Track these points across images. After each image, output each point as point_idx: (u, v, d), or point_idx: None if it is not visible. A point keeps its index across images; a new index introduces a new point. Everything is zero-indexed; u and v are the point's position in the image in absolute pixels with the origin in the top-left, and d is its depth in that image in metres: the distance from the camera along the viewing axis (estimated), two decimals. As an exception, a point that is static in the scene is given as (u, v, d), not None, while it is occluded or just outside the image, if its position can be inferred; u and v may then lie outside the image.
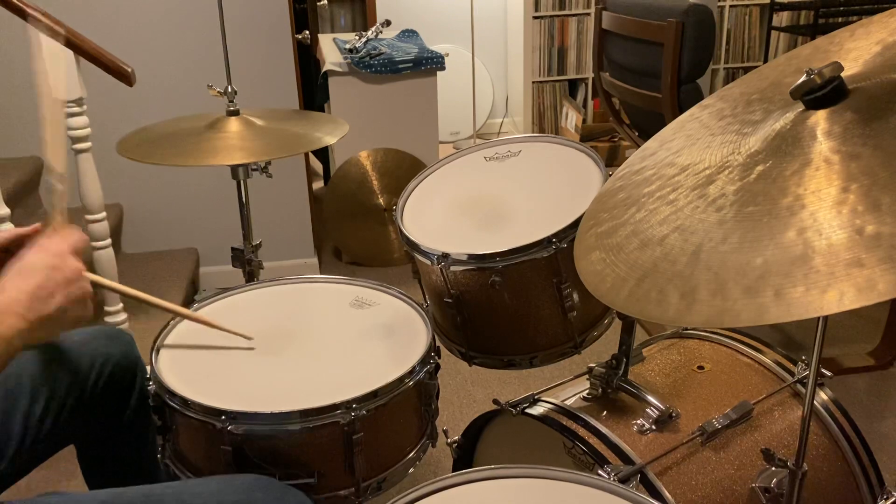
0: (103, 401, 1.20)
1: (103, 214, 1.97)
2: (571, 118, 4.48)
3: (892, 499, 1.10)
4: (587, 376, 1.20)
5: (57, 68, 1.18)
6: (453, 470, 1.29)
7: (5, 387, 1.10)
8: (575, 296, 1.25)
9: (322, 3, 4.00)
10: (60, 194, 1.03)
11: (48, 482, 1.78)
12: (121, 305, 2.06)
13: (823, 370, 1.19)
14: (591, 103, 4.60)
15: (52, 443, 1.16)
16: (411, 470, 1.18)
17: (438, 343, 1.30)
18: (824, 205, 0.65)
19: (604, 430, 1.08)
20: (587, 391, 1.19)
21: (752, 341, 1.29)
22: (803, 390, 1.20)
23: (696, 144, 0.88)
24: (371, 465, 1.11)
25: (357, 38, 3.09)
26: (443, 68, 3.02)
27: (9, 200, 1.88)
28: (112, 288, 1.12)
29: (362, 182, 3.06)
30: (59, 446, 1.18)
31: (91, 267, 0.98)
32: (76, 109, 1.87)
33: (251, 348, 1.20)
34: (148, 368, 1.16)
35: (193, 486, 0.98)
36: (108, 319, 2.04)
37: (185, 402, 1.07)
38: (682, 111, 1.24)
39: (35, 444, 1.11)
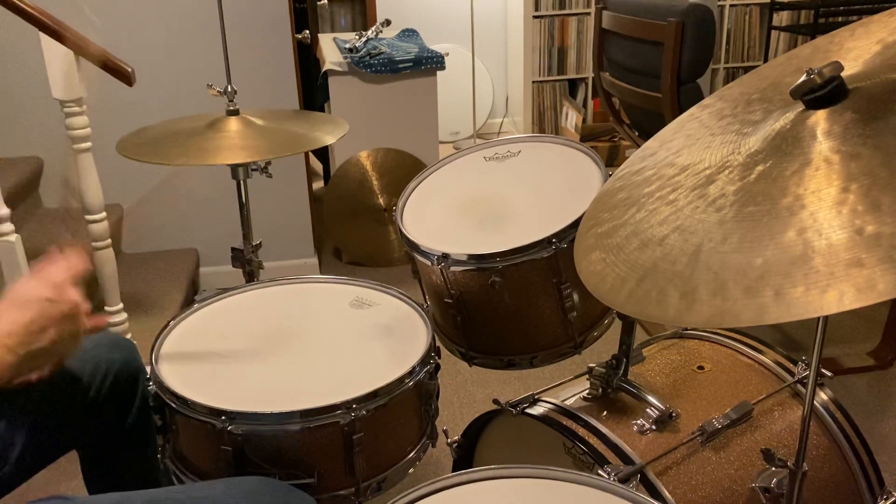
0: (106, 407, 1.20)
1: (103, 214, 1.97)
2: (571, 118, 4.48)
3: (892, 499, 1.10)
4: (587, 376, 1.20)
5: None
6: (453, 470, 1.29)
7: (10, 391, 1.10)
8: (575, 296, 1.25)
9: (322, 2, 4.00)
10: (73, 212, 1.03)
11: (49, 483, 1.78)
12: (120, 305, 2.05)
13: (823, 370, 1.19)
14: (591, 103, 4.60)
15: (56, 448, 1.16)
16: (411, 470, 1.19)
17: (438, 343, 1.30)
18: (824, 205, 0.65)
19: (604, 430, 1.08)
20: (587, 391, 1.19)
21: (752, 341, 1.29)
22: (803, 390, 1.20)
23: (696, 144, 0.88)
24: (371, 465, 1.11)
25: (357, 37, 3.09)
26: (443, 68, 3.02)
27: (9, 200, 1.88)
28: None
29: (362, 182, 3.06)
30: (61, 451, 1.18)
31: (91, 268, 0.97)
32: (76, 109, 1.87)
33: (251, 352, 1.20)
34: (148, 369, 1.16)
35: (198, 490, 0.98)
36: (109, 319, 2.04)
37: (185, 402, 1.07)
38: (682, 111, 1.24)
39: (38, 449, 1.11)
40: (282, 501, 0.97)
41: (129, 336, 2.09)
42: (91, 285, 0.97)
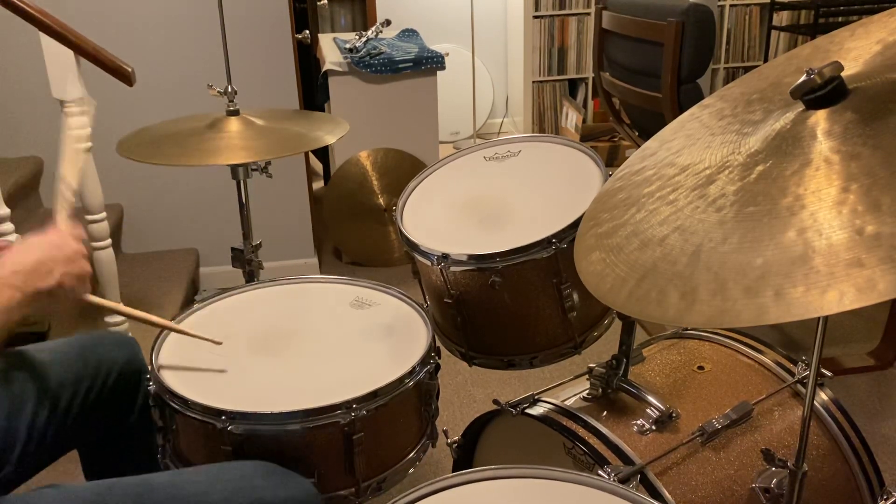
0: (107, 406, 1.20)
1: (103, 214, 1.97)
2: (571, 118, 4.48)
3: (892, 499, 1.10)
4: (587, 376, 1.20)
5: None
6: (453, 470, 1.29)
7: (10, 391, 1.10)
8: (575, 296, 1.25)
9: (322, 2, 4.00)
10: (68, 202, 1.09)
11: (47, 481, 1.77)
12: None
13: (823, 370, 1.18)
14: (591, 103, 4.60)
15: (57, 447, 1.16)
16: (411, 470, 1.18)
17: (438, 343, 1.30)
18: (824, 205, 0.65)
19: (604, 430, 1.08)
20: (587, 391, 1.19)
21: (752, 341, 1.29)
22: (803, 390, 1.20)
23: (696, 144, 0.88)
24: (371, 465, 1.11)
25: (357, 37, 3.09)
26: (443, 68, 3.02)
27: (9, 200, 1.88)
28: (106, 306, 1.15)
29: (362, 182, 3.06)
30: (63, 450, 1.18)
31: (91, 268, 1.04)
32: (76, 109, 1.87)
33: (252, 353, 1.20)
34: (148, 369, 1.16)
35: (189, 474, 0.98)
36: (108, 319, 2.04)
37: (185, 402, 1.07)
38: (682, 111, 1.24)
39: (39, 448, 1.11)
40: (275, 483, 0.97)
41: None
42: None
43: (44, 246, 0.96)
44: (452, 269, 1.24)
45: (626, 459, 1.03)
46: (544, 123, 4.70)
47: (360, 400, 1.05)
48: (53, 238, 0.98)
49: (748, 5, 4.55)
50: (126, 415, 1.24)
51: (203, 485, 0.94)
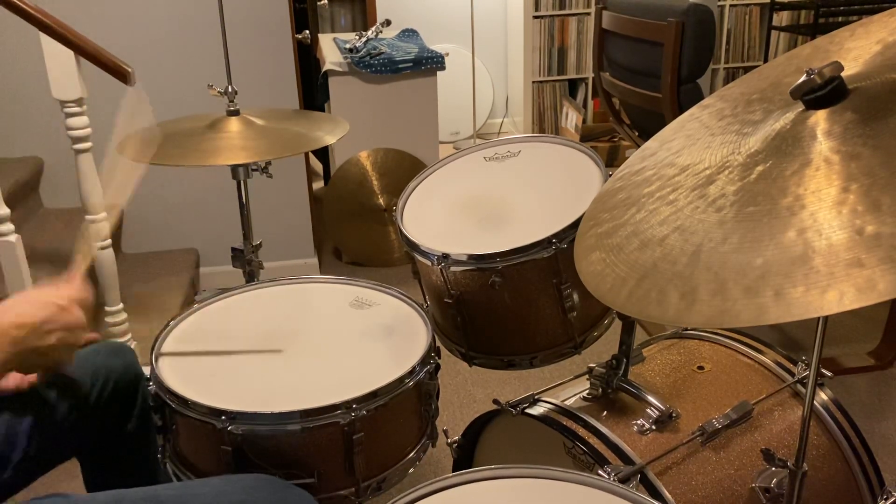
0: (105, 414, 1.20)
1: (103, 214, 1.97)
2: (571, 118, 4.48)
3: (892, 499, 1.10)
4: (587, 376, 1.20)
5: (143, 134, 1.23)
6: (453, 470, 1.29)
7: (10, 398, 1.10)
8: (575, 296, 1.25)
9: (322, 2, 4.00)
10: (90, 239, 1.06)
11: (48, 484, 1.78)
12: (120, 305, 2.06)
13: (823, 370, 1.19)
14: (591, 103, 4.60)
15: (55, 455, 1.16)
16: (411, 470, 1.19)
17: (438, 343, 1.30)
18: (824, 205, 0.65)
19: (604, 430, 1.08)
20: (587, 391, 1.19)
21: (752, 341, 1.29)
22: (803, 390, 1.20)
23: (696, 144, 0.88)
24: (371, 465, 1.11)
25: (357, 37, 3.09)
26: (443, 68, 3.02)
27: (9, 200, 1.88)
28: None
29: (362, 182, 3.06)
30: (62, 458, 1.18)
31: (91, 269, 1.01)
32: (76, 109, 1.87)
33: (253, 352, 1.20)
34: (148, 369, 1.16)
35: (195, 487, 0.98)
36: (108, 319, 2.04)
37: (185, 402, 1.07)
38: (682, 111, 1.24)
39: (38, 456, 1.12)
40: (279, 498, 0.97)
41: (128, 336, 2.09)
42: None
43: (53, 305, 0.93)
44: (452, 269, 1.24)
45: (626, 459, 1.03)
46: (544, 123, 4.70)
47: (360, 400, 1.05)
48: (64, 301, 0.95)
49: (748, 5, 4.55)
50: (124, 422, 1.24)
51: (209, 497, 0.94)
